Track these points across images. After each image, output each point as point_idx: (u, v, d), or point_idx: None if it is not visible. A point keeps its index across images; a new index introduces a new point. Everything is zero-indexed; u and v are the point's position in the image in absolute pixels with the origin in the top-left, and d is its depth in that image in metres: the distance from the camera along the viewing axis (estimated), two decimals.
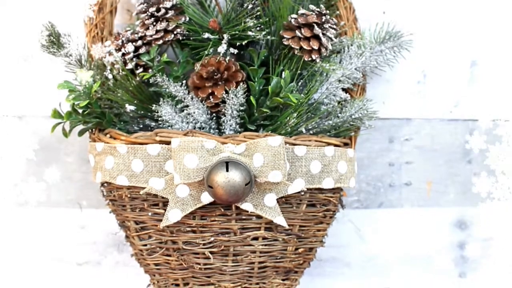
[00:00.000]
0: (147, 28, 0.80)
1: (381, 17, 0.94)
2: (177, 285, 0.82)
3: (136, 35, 0.80)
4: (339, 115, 0.83)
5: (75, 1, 0.90)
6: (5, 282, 0.93)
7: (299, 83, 0.83)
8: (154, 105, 0.78)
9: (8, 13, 0.91)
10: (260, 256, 0.80)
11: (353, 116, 0.83)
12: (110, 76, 0.79)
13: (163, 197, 0.76)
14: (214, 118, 0.80)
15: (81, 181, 0.93)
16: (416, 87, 0.98)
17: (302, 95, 0.79)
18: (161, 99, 0.79)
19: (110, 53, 0.79)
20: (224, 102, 0.78)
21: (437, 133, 0.99)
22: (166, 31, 0.80)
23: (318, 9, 0.80)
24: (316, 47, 0.79)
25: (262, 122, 0.80)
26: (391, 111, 0.98)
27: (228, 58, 0.79)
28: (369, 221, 0.99)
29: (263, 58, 0.81)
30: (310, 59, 0.79)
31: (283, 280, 0.83)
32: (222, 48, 0.78)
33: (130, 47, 0.79)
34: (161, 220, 0.77)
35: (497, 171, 0.99)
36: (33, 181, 0.93)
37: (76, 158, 0.93)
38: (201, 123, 0.79)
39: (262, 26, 0.81)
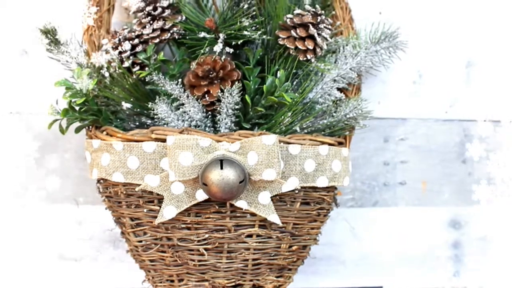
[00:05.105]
0: (144, 27, 0.81)
1: (377, 17, 0.95)
2: (172, 281, 0.82)
3: (133, 33, 0.81)
4: (334, 114, 0.84)
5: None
6: (1, 277, 0.94)
7: (294, 83, 0.84)
8: (150, 103, 0.79)
9: (6, 9, 0.92)
10: (254, 253, 0.80)
11: (347, 116, 0.83)
12: (107, 74, 0.80)
13: (158, 194, 0.77)
14: (210, 116, 0.81)
15: (78, 177, 0.94)
16: (411, 87, 0.99)
17: (296, 94, 0.79)
18: (157, 97, 0.79)
19: (107, 51, 0.80)
20: (219, 100, 0.79)
21: (432, 133, 1.00)
22: (162, 30, 0.80)
23: (314, 10, 0.80)
24: (311, 47, 0.79)
25: (257, 120, 0.81)
26: (387, 111, 0.98)
27: (223, 57, 0.79)
28: (363, 220, 0.99)
29: (258, 57, 0.82)
30: (305, 58, 0.80)
31: (276, 277, 0.84)
32: (218, 47, 0.79)
33: (127, 45, 0.80)
34: (156, 217, 0.78)
35: (497, 178, 1.00)
36: (31, 178, 0.93)
37: (73, 154, 0.94)
38: (196, 121, 0.80)
39: (257, 26, 0.81)
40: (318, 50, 0.80)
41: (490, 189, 0.99)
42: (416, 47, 0.97)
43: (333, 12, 0.88)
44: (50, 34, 0.78)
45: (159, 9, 0.80)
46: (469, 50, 1.00)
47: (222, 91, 0.78)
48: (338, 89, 0.86)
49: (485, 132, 1.00)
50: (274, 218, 0.78)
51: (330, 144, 0.80)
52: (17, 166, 0.93)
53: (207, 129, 0.80)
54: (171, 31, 0.81)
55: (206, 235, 0.78)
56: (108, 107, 0.81)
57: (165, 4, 0.81)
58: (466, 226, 1.01)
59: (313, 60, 0.81)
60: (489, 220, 1.02)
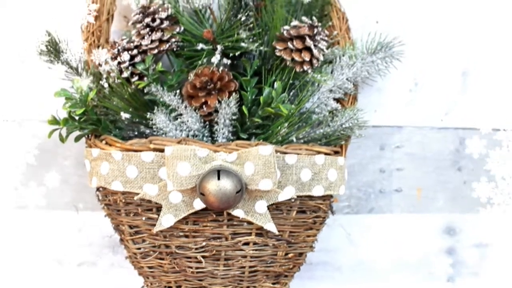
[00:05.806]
0: (143, 38, 0.81)
1: (374, 26, 0.96)
2: (170, 287, 0.84)
3: (131, 44, 0.81)
4: (330, 124, 0.85)
5: (72, 9, 0.91)
6: (1, 283, 0.95)
7: (291, 93, 0.84)
8: (148, 113, 0.80)
9: (6, 18, 0.93)
10: (250, 261, 0.81)
11: (343, 126, 0.84)
12: (106, 85, 0.81)
13: (156, 203, 0.78)
14: (207, 126, 0.82)
15: (78, 184, 0.95)
16: (407, 95, 1.00)
17: (293, 105, 0.80)
18: (156, 107, 0.80)
19: (106, 62, 0.81)
20: (217, 111, 0.80)
21: (427, 141, 1.01)
22: (161, 41, 0.81)
23: (310, 21, 0.81)
24: (307, 59, 0.80)
25: (254, 130, 0.82)
26: (383, 119, 0.99)
27: (221, 68, 0.80)
28: (359, 226, 1.00)
29: (255, 68, 0.83)
30: (301, 70, 0.81)
31: (273, 284, 0.85)
32: (215, 59, 0.80)
33: (125, 56, 0.80)
34: (154, 225, 0.79)
35: (497, 176, 1.01)
36: (32, 185, 0.94)
37: (73, 161, 0.95)
38: (194, 131, 0.81)
39: (255, 38, 0.82)
40: (314, 61, 0.81)
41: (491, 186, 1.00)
42: (412, 55, 0.97)
43: (330, 23, 0.89)
44: (50, 46, 0.79)
45: (158, 21, 0.81)
46: (464, 58, 1.01)
47: (219, 101, 0.79)
48: (335, 99, 0.87)
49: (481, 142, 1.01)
50: (270, 226, 0.79)
51: (326, 154, 0.82)
52: (17, 173, 0.94)
53: (204, 139, 0.81)
54: (170, 42, 0.82)
55: (204, 243, 0.80)
56: (107, 116, 0.82)
57: (163, 15, 0.82)
58: (461, 233, 1.03)
59: (309, 71, 0.82)
60: (483, 227, 1.03)
